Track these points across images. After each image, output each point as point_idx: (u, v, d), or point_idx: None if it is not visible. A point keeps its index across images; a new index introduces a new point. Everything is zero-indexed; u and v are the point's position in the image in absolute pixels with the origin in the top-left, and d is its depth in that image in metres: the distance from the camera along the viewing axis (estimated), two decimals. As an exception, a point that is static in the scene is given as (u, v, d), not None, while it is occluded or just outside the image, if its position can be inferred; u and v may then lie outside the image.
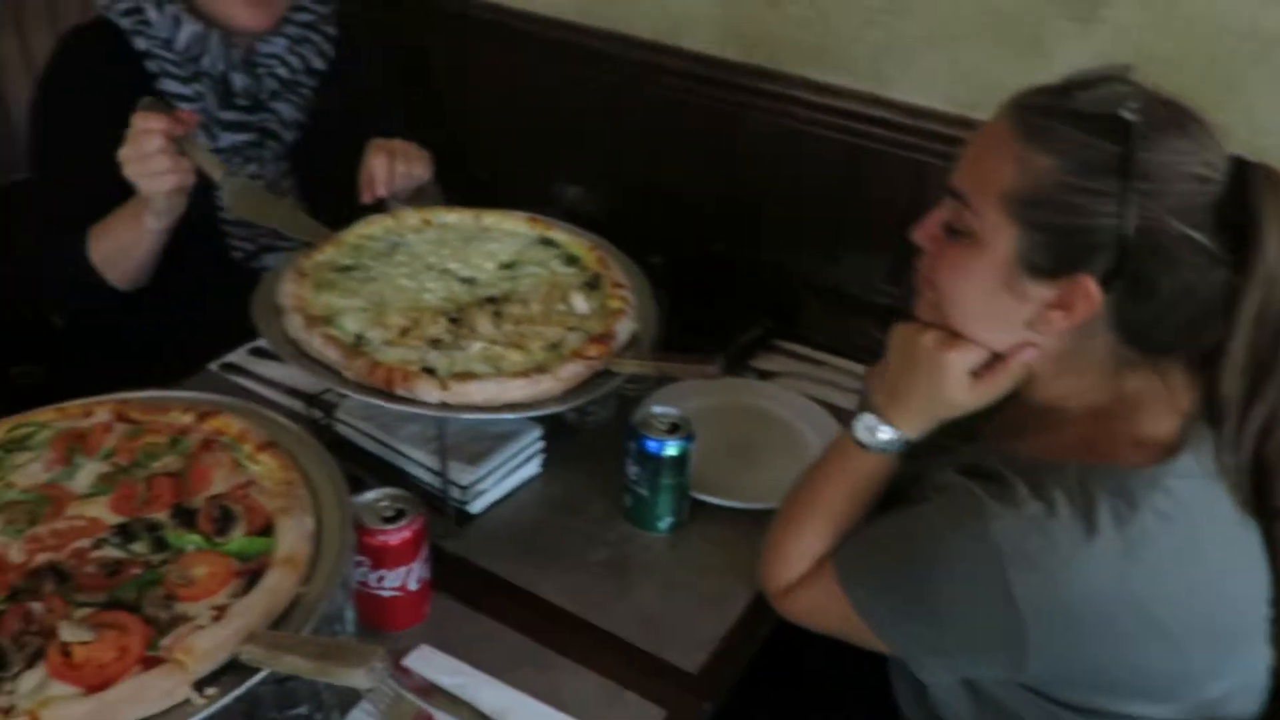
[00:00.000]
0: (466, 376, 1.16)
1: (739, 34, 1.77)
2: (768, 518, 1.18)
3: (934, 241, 1.01)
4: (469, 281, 1.37)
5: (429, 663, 1.10)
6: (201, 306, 1.64)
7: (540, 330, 1.27)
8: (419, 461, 1.34)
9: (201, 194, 1.57)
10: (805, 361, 1.66)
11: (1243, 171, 0.89)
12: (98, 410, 1.09)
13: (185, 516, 0.96)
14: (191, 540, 0.93)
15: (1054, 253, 0.91)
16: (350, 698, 1.02)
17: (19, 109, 2.68)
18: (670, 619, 1.20)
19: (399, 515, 1.10)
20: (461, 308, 1.30)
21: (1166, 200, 0.87)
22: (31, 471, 1.02)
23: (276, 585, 0.87)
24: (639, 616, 1.20)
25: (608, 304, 1.32)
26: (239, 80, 1.63)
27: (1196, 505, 0.91)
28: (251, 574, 0.89)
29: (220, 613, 0.84)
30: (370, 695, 1.02)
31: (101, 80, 1.59)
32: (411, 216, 1.48)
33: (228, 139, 1.64)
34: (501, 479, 1.35)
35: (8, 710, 0.76)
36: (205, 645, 0.80)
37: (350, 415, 1.39)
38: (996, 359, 1.01)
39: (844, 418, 1.47)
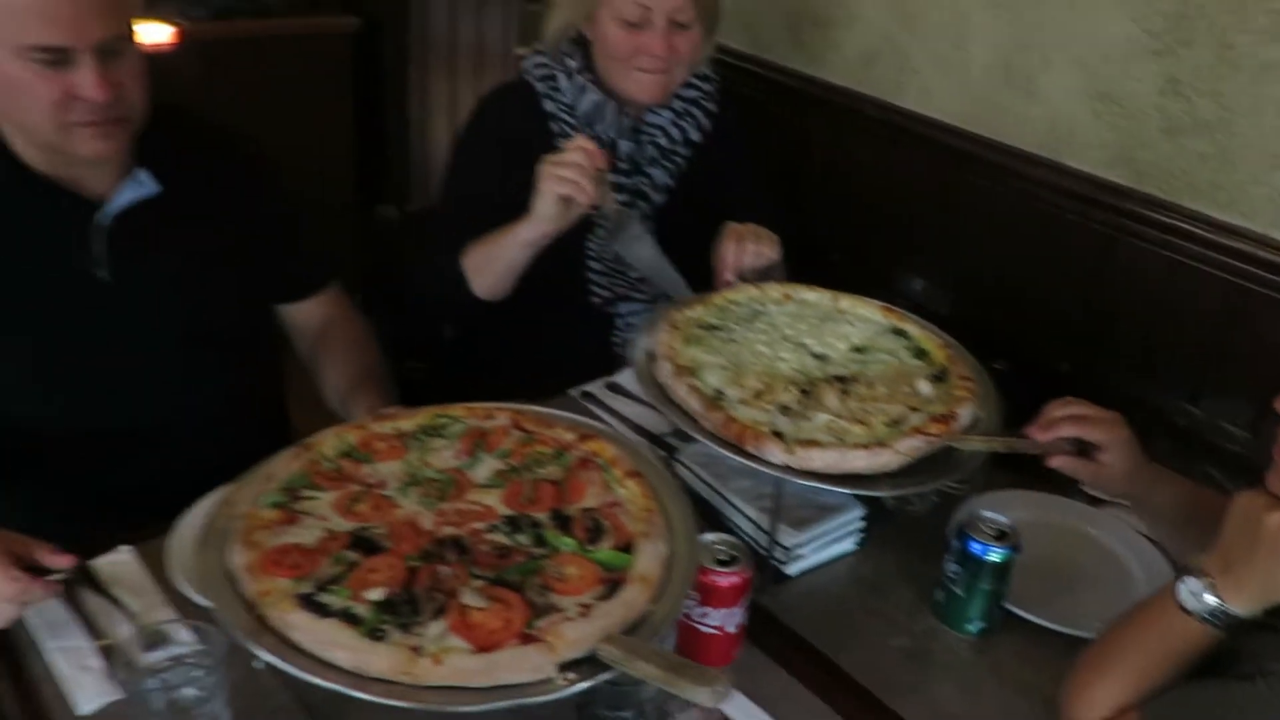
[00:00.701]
0: (810, 444, 1.24)
1: (1129, 160, 1.76)
2: (1080, 645, 1.16)
3: None
4: (821, 358, 1.46)
5: (731, 703, 1.18)
6: (564, 339, 1.86)
7: (883, 407, 1.33)
8: (747, 515, 1.43)
9: (574, 247, 1.77)
10: (1142, 497, 1.60)
11: None
12: (498, 415, 1.27)
13: (562, 521, 1.10)
14: (566, 543, 1.07)
15: None
16: (665, 713, 1.12)
17: (440, 143, 3.13)
18: (967, 723, 1.21)
19: (732, 561, 1.19)
20: (812, 381, 1.38)
21: None
22: (444, 456, 1.21)
23: (633, 599, 0.99)
24: (935, 712, 1.21)
25: (953, 392, 1.36)
26: (624, 146, 1.82)
27: None
28: (612, 583, 1.01)
29: (585, 610, 0.97)
30: (681, 717, 1.12)
31: (511, 131, 1.84)
32: (774, 289, 1.59)
33: None
34: (820, 548, 1.42)
35: (417, 648, 0.92)
36: (572, 635, 0.93)
37: (690, 459, 1.52)
38: None
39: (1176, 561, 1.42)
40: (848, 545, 1.45)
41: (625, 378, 1.77)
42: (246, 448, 1.18)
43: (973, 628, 1.32)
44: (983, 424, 1.32)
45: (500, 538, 1.08)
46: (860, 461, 1.22)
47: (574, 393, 1.75)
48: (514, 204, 1.63)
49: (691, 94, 1.87)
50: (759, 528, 1.41)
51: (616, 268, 1.88)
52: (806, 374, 1.41)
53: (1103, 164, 1.79)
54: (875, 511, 1.46)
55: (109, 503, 1.38)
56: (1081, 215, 1.81)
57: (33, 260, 1.40)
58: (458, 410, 1.27)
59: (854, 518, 1.44)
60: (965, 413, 1.30)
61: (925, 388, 1.38)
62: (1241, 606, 1.01)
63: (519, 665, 0.91)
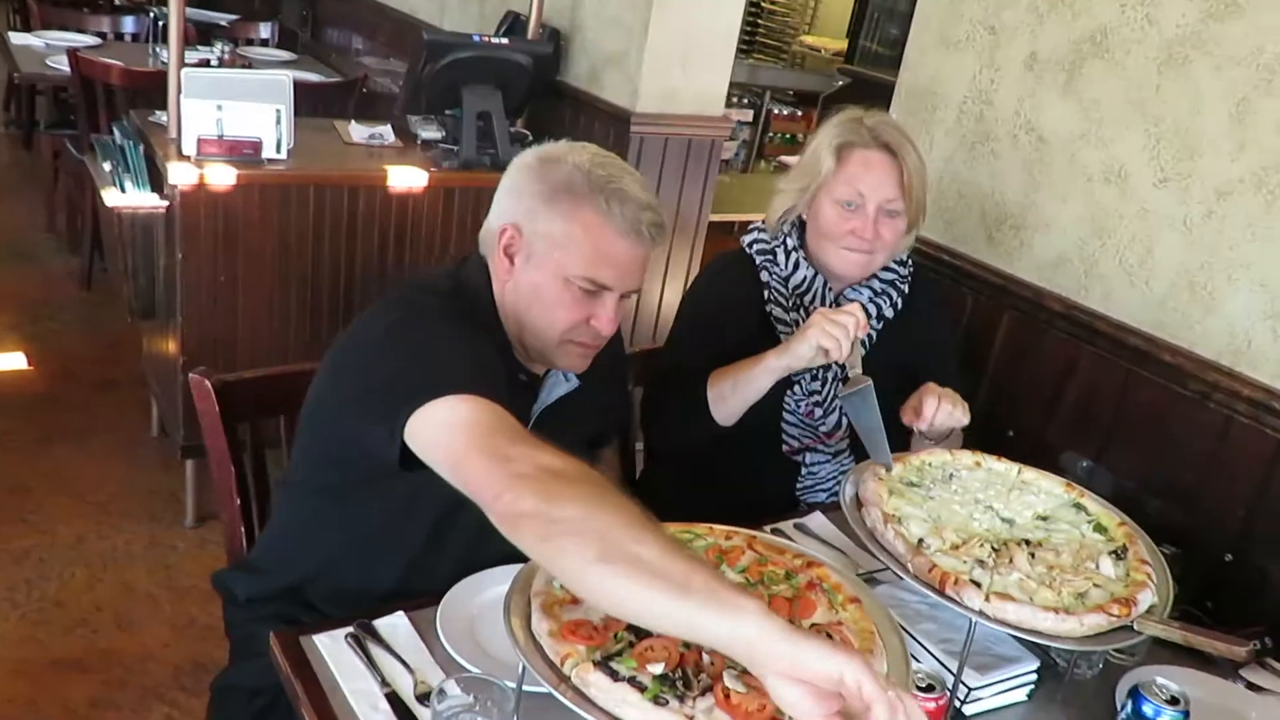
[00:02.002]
0: (1005, 597, 1.42)
1: (1304, 375, 1.92)
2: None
3: None
4: (1008, 521, 1.65)
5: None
6: (752, 481, 2.09)
7: (1069, 579, 1.50)
8: (932, 654, 1.60)
9: (774, 400, 1.98)
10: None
11: None
12: (735, 537, 1.50)
13: (796, 631, 1.31)
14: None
15: None
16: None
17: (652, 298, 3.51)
18: None
19: (930, 688, 1.37)
20: (1003, 541, 1.57)
21: None
22: (692, 565, 1.44)
23: (862, 701, 1.18)
24: None
25: (1133, 575, 1.52)
26: None
27: None
28: (842, 688, 1.21)
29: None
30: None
31: (730, 293, 2.13)
32: (966, 456, 1.79)
33: None
34: (996, 694, 1.57)
35: (691, 717, 1.13)
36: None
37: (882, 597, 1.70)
38: None
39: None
40: (1019, 696, 1.59)
41: (812, 520, 1.97)
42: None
43: (1139, 788, 1.44)
44: (1157, 608, 1.46)
45: (746, 638, 1.29)
46: (1047, 623, 1.39)
47: (767, 529, 1.94)
48: (730, 354, 1.91)
49: (889, 276, 2.12)
50: (943, 666, 1.58)
51: (807, 421, 2.11)
52: (996, 534, 1.60)
53: (1278, 376, 1.95)
54: (1046, 668, 1.60)
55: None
56: (1254, 419, 1.96)
57: None
58: (700, 529, 1.51)
59: (1029, 669, 1.59)
60: (1144, 598, 1.45)
61: (1107, 566, 1.53)
62: None
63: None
